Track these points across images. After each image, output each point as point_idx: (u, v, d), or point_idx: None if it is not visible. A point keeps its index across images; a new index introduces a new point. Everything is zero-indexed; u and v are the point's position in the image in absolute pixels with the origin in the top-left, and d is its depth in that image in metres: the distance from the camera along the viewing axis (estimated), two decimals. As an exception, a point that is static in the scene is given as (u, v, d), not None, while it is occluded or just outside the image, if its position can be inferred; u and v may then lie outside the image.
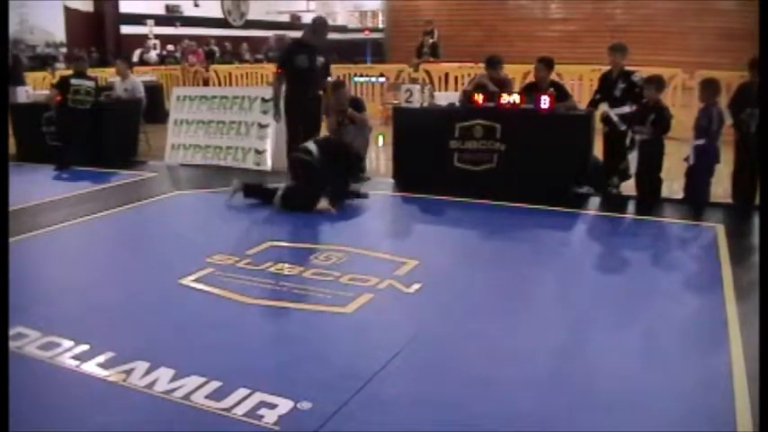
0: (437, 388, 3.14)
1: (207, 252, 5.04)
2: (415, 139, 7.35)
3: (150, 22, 18.63)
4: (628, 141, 6.41)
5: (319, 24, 7.32)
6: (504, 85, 7.64)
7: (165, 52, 17.31)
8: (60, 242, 5.66)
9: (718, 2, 15.90)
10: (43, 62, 16.06)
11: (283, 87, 7.16)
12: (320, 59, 7.14)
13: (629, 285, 4.53)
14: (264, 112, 8.33)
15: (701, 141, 6.10)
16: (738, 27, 13.88)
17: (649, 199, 6.44)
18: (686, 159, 6.27)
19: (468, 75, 10.72)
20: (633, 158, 6.40)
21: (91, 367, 3.33)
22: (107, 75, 12.35)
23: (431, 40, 14.57)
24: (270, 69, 14.15)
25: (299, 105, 7.09)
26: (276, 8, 22.43)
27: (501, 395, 3.10)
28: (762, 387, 2.66)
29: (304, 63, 7.02)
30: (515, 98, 6.89)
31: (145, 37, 18.17)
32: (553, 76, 7.58)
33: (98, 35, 18.17)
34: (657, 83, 6.48)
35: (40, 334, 3.66)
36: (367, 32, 23.17)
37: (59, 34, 17.33)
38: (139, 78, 10.80)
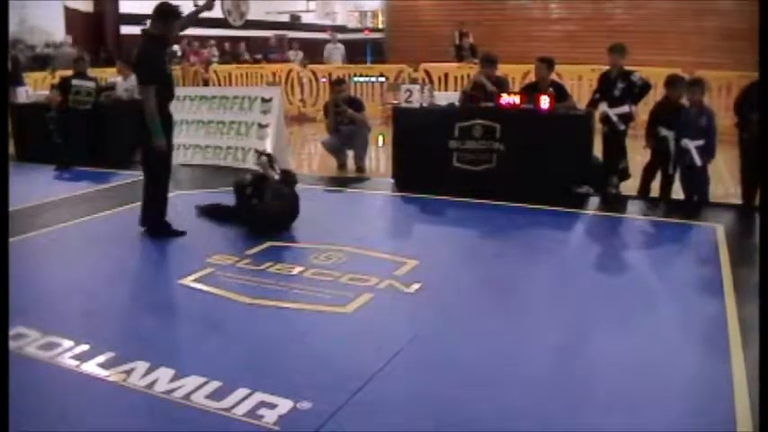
0: (437, 388, 3.14)
1: (207, 252, 5.04)
2: (414, 139, 7.35)
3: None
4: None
5: (169, 12, 5.33)
6: (502, 85, 7.64)
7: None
8: (60, 242, 5.66)
9: (718, 2, 15.86)
10: (43, 62, 16.00)
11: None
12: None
13: (629, 285, 4.54)
14: (264, 113, 8.32)
15: (700, 142, 6.08)
16: (738, 27, 13.85)
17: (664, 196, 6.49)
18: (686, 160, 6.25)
19: (468, 75, 10.71)
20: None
21: (91, 367, 3.33)
22: (107, 75, 12.33)
23: (469, 42, 14.39)
24: (270, 69, 14.16)
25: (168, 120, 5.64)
26: (276, 8, 22.42)
27: (501, 395, 3.10)
28: (762, 388, 2.66)
29: (165, 65, 5.64)
30: (515, 98, 6.90)
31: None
32: (553, 76, 7.58)
33: (98, 35, 18.13)
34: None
35: (40, 334, 3.66)
36: (367, 32, 23.16)
37: (59, 34, 17.29)
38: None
